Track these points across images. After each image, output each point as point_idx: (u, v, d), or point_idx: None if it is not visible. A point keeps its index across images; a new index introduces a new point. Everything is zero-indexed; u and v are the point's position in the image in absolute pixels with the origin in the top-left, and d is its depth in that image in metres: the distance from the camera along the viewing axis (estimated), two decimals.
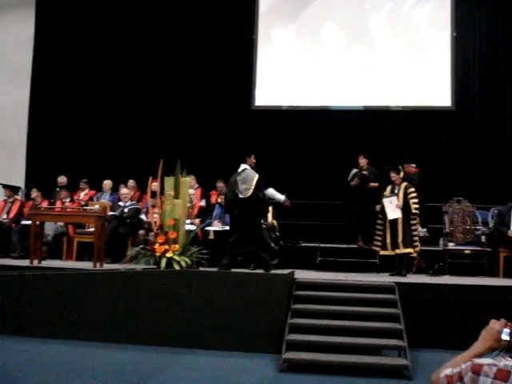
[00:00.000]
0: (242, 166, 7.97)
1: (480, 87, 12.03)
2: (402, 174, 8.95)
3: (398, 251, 8.48)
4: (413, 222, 8.57)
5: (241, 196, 7.74)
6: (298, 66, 12.45)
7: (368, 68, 12.17)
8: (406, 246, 8.45)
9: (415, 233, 8.59)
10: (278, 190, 9.45)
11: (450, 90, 11.90)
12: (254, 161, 8.12)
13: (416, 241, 8.56)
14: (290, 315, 6.77)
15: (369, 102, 12.09)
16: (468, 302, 7.12)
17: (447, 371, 2.06)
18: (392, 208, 8.53)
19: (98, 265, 8.28)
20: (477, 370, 1.94)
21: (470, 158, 11.86)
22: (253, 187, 7.73)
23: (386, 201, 8.61)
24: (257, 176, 7.80)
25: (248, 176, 7.81)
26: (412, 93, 11.99)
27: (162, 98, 12.65)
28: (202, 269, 7.78)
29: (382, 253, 8.72)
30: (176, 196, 7.61)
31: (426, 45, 12.03)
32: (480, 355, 2.17)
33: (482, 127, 11.94)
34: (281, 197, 7.97)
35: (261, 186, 7.79)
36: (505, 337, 2.16)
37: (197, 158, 11.54)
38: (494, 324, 2.22)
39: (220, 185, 10.41)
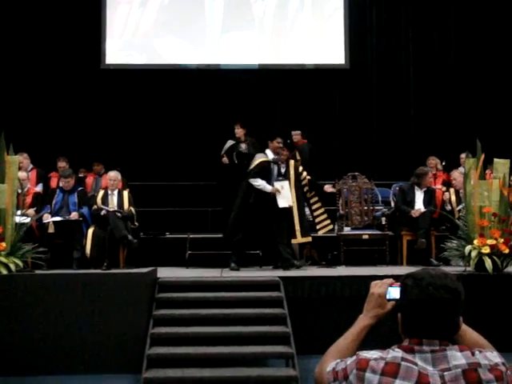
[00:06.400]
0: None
1: (378, 42, 12.44)
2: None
3: (294, 241, 8.59)
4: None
5: None
6: (162, 12, 12.32)
7: (243, 19, 12.29)
8: (304, 235, 8.55)
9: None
10: (135, 169, 9.29)
11: (344, 45, 12.21)
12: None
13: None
14: (152, 324, 6.71)
15: (245, 59, 12.22)
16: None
17: (332, 364, 2.10)
18: (284, 194, 8.46)
19: None
20: (362, 366, 2.02)
21: (368, 127, 12.29)
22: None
23: (277, 185, 8.50)
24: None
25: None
26: (296, 48, 12.20)
27: None
28: (38, 272, 7.55)
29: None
30: (0, 180, 7.28)
31: None
32: (368, 328, 2.21)
33: (381, 90, 12.38)
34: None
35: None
36: (391, 296, 2.20)
37: (31, 132, 11.21)
38: (374, 288, 2.26)
39: (62, 164, 10.08)
